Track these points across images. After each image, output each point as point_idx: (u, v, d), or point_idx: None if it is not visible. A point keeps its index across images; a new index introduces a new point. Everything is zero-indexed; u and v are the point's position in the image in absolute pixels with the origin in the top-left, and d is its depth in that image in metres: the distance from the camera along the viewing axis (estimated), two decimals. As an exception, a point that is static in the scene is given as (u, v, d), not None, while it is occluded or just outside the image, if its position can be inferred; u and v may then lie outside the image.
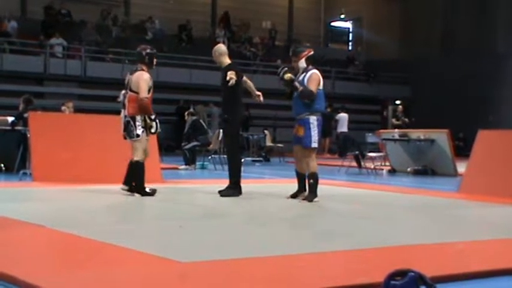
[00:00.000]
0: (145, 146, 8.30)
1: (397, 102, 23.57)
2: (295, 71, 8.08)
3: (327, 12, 31.92)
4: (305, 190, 8.06)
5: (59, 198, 8.02)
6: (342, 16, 31.56)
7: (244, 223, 6.34)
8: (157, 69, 22.25)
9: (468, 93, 25.55)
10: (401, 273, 3.51)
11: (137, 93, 8.11)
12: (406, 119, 19.20)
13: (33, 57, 21.24)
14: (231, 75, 8.19)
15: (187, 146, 14.54)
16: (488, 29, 26.32)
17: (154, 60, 8.58)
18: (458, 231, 6.18)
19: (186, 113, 15.71)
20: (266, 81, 25.55)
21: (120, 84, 24.17)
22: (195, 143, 14.63)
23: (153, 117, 8.27)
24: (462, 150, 18.09)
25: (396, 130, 15.83)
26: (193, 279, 3.87)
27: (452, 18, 27.77)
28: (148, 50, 8.57)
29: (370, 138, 16.20)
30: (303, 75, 8.01)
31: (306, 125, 7.95)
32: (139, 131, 8.14)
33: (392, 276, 3.52)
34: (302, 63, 8.01)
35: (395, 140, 15.29)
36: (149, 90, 8.24)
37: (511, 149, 9.66)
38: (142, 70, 8.31)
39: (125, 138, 8.31)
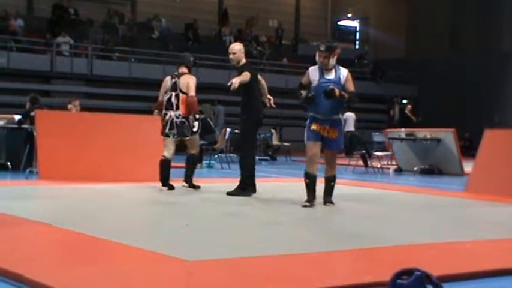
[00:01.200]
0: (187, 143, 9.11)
1: (404, 101, 23.49)
2: (323, 66, 7.39)
3: (333, 11, 31.89)
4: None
5: (65, 197, 8.03)
6: (349, 15, 31.53)
7: (252, 222, 6.33)
8: (163, 68, 22.53)
9: (474, 93, 25.50)
10: (408, 272, 3.50)
11: (186, 94, 8.89)
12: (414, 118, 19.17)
13: (40, 56, 21.29)
14: (244, 77, 8.17)
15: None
16: (494, 28, 26.27)
17: None
18: (465, 230, 6.16)
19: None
20: (273, 80, 25.50)
21: (126, 82, 24.09)
22: (201, 142, 14.58)
23: (197, 116, 9.12)
24: (468, 149, 18.04)
25: (403, 129, 15.78)
26: (199, 277, 3.87)
27: (458, 18, 27.71)
28: (192, 58, 9.63)
29: (377, 137, 16.17)
30: (333, 73, 7.43)
31: (339, 126, 7.54)
32: (195, 128, 9.04)
33: (399, 275, 3.51)
34: (334, 60, 7.41)
35: (401, 139, 15.26)
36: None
37: (518, 148, 9.63)
38: (189, 73, 9.15)
39: (174, 136, 8.90)
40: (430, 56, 27.86)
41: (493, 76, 25.14)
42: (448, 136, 14.38)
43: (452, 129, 14.45)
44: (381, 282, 3.67)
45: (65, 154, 10.09)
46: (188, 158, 9.29)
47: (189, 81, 8.93)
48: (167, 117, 8.87)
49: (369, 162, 15.20)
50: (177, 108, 8.85)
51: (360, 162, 15.26)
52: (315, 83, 7.41)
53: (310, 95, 7.36)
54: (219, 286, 3.72)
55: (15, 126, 11.85)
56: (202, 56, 23.43)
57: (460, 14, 27.60)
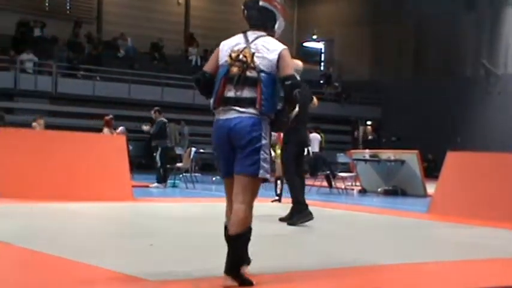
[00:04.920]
0: None
1: (368, 122, 23.80)
2: None
3: (299, 33, 32.15)
4: None
5: (26, 216, 7.89)
6: (314, 37, 31.83)
7: (215, 239, 6.29)
8: (129, 87, 22.44)
9: (438, 115, 25.91)
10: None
11: None
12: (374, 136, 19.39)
13: (3, 73, 21.01)
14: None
15: (158, 165, 14.35)
16: (457, 52, 26.79)
17: None
18: (427, 251, 6.21)
19: (153, 111, 15.06)
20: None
21: (91, 101, 23.85)
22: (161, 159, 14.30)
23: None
24: (432, 170, 18.28)
25: (367, 150, 15.94)
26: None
27: (422, 42, 28.21)
28: None
29: (341, 158, 16.30)
30: None
31: None
32: None
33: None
34: None
35: (366, 161, 15.40)
36: None
37: (479, 170, 9.79)
38: None
39: None
40: (394, 78, 28.26)
41: (456, 99, 25.58)
42: (411, 158, 14.55)
43: (416, 151, 14.63)
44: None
45: (26, 172, 9.92)
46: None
47: None
48: None
49: (333, 183, 15.28)
50: None
51: (325, 183, 15.33)
52: None
53: None
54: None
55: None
56: (168, 76, 23.40)
57: (424, 38, 28.09)
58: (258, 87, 4.10)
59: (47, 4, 25.31)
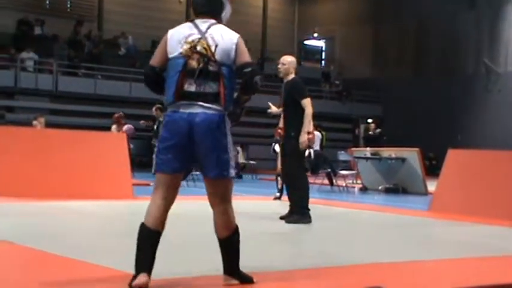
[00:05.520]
0: None
1: (369, 120, 23.79)
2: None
3: (300, 31, 32.14)
4: None
5: (26, 214, 7.89)
6: (315, 35, 31.81)
7: (212, 241, 6.28)
8: (130, 85, 22.42)
9: (438, 113, 25.90)
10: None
11: None
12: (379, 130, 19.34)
13: (4, 71, 21.01)
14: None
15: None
16: (458, 50, 26.76)
17: None
18: (428, 249, 6.21)
19: (154, 108, 14.91)
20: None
21: (92, 99, 23.84)
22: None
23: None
24: (433, 168, 18.26)
25: (368, 148, 15.93)
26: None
27: (423, 40, 28.18)
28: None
29: (342, 156, 16.30)
30: None
31: None
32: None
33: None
34: None
35: (367, 158, 15.39)
36: None
37: (480, 168, 9.79)
38: None
39: None
40: (395, 76, 28.24)
41: (457, 97, 25.58)
42: (412, 155, 14.54)
43: (417, 149, 14.63)
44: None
45: (26, 171, 9.92)
46: None
47: None
48: None
49: (334, 181, 15.28)
50: None
51: (326, 181, 15.33)
52: None
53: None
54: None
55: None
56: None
57: (425, 36, 28.06)
58: (220, 82, 3.91)
59: (47, 2, 25.28)
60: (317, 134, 15.89)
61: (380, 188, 14.79)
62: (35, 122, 12.73)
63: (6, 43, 21.96)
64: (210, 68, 3.91)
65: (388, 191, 14.51)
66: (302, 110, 7.68)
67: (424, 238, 7.10)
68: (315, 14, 31.79)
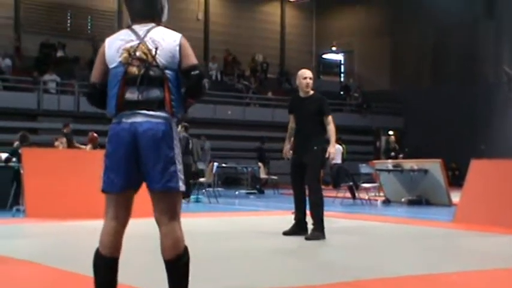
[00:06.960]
0: None
1: (390, 132, 23.71)
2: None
3: (318, 45, 32.21)
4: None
5: (53, 234, 7.98)
6: (334, 48, 31.86)
7: (239, 256, 6.31)
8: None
9: (460, 123, 25.73)
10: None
11: None
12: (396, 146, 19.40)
13: (27, 94, 21.31)
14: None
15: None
16: (479, 58, 26.63)
17: None
18: (452, 261, 6.17)
19: (180, 126, 15.01)
20: (259, 113, 25.64)
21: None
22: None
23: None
24: (456, 179, 18.12)
25: (390, 160, 15.87)
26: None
27: (442, 50, 28.08)
28: None
29: (364, 168, 16.22)
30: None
31: None
32: None
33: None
34: None
35: (388, 171, 15.32)
36: None
37: (504, 178, 9.70)
38: None
39: None
40: (415, 87, 28.16)
41: (479, 106, 25.41)
42: (434, 166, 14.45)
43: (439, 160, 14.54)
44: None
45: (52, 191, 10.04)
46: None
47: None
48: None
49: (356, 194, 15.22)
50: None
51: (348, 194, 15.28)
52: None
53: None
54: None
55: (2, 164, 11.80)
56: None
57: (444, 46, 27.97)
58: (165, 87, 3.59)
59: (68, 25, 25.63)
60: (338, 147, 15.89)
61: (403, 200, 14.71)
62: (56, 143, 12.87)
63: (29, 66, 22.28)
64: (152, 73, 3.59)
65: (411, 203, 14.42)
66: (323, 125, 7.87)
67: (448, 250, 7.06)
68: (333, 27, 31.87)
